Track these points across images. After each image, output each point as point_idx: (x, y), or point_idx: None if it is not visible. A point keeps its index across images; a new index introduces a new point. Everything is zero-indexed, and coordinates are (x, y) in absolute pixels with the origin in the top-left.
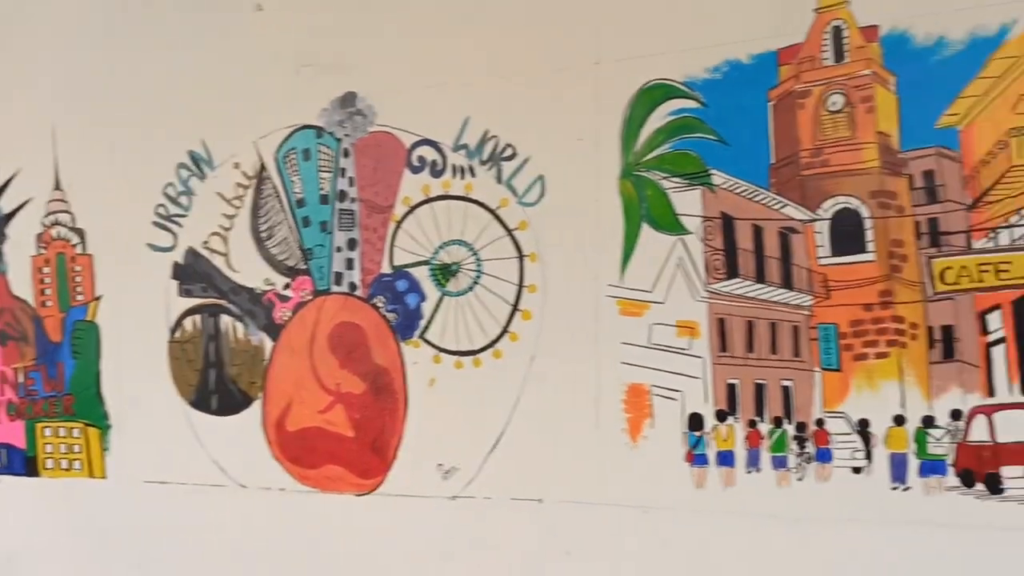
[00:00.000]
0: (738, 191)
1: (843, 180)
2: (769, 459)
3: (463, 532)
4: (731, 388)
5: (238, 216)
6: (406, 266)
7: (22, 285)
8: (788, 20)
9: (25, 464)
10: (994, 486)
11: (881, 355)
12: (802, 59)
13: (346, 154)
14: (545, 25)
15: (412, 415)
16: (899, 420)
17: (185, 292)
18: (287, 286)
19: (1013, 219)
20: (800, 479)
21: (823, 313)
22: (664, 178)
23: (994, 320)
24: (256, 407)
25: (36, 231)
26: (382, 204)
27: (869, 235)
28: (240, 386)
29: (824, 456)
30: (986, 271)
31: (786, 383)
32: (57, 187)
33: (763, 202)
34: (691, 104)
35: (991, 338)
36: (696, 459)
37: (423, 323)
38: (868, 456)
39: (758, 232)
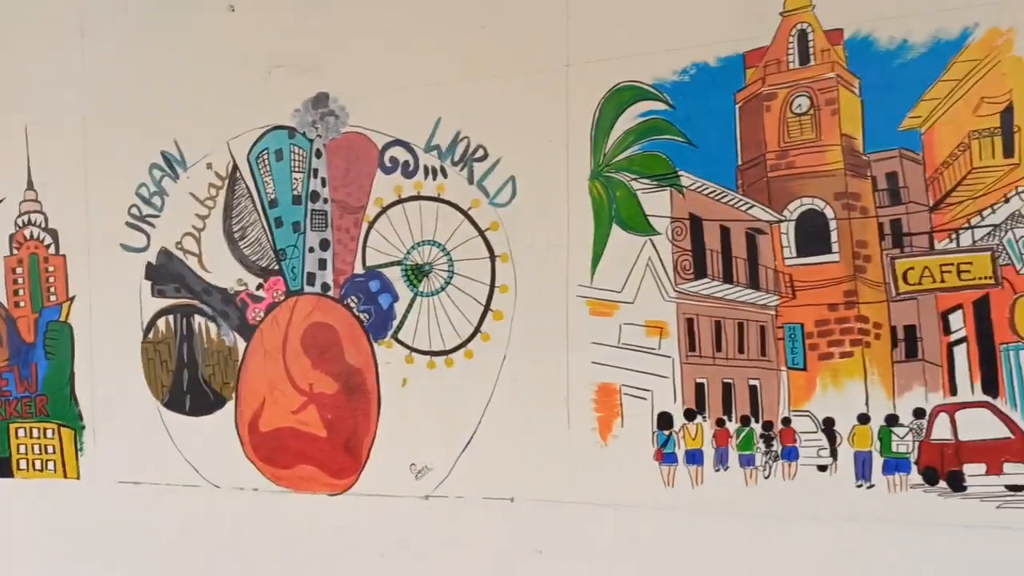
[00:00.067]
0: (706, 192)
1: (808, 182)
2: (737, 457)
3: (436, 531)
4: (700, 387)
5: (211, 216)
6: (378, 266)
7: None
8: (755, 23)
9: None
10: (956, 484)
11: (846, 354)
12: (768, 62)
13: (318, 155)
14: (516, 27)
15: (385, 415)
16: (863, 419)
17: (158, 292)
18: (260, 286)
19: (974, 220)
20: (767, 477)
21: (789, 313)
22: (633, 179)
23: (956, 320)
24: (229, 407)
25: (9, 231)
26: (354, 205)
27: (834, 236)
28: (213, 386)
29: (790, 454)
30: (948, 272)
31: (753, 382)
32: (30, 187)
33: (730, 203)
34: (660, 106)
35: (953, 338)
36: (665, 458)
37: (395, 323)
38: (833, 454)
39: (726, 233)
